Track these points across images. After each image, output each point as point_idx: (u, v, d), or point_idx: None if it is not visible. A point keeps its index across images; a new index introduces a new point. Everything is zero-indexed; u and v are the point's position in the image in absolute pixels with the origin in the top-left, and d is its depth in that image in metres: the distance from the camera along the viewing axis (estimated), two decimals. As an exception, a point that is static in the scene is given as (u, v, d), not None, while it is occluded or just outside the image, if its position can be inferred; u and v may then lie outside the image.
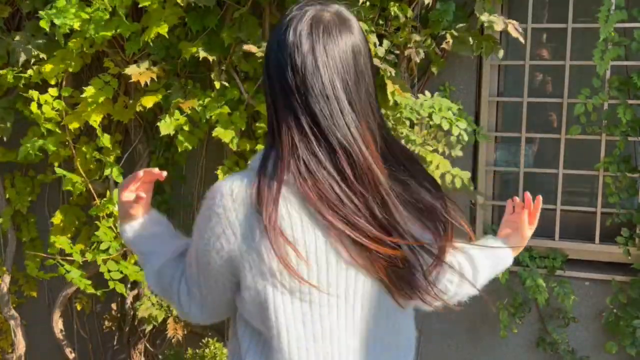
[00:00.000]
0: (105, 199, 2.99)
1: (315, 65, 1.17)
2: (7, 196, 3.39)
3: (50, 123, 2.86)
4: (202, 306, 1.31)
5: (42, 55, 2.89)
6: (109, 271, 2.91)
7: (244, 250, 1.17)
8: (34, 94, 2.81)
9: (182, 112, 2.76)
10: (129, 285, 3.29)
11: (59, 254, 3.01)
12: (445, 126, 2.59)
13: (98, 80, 2.83)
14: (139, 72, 2.73)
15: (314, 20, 1.19)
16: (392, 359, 1.31)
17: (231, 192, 1.17)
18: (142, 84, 2.72)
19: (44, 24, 2.62)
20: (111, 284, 2.92)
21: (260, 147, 2.79)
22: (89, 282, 2.94)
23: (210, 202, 1.20)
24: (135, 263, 2.95)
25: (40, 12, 2.63)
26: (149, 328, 3.14)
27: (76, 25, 2.62)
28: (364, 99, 1.20)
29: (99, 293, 3.03)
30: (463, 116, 2.70)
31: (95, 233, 2.93)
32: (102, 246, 2.90)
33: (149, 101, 2.79)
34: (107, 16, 2.61)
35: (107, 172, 2.93)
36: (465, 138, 2.62)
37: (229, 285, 1.24)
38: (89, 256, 2.92)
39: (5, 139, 3.16)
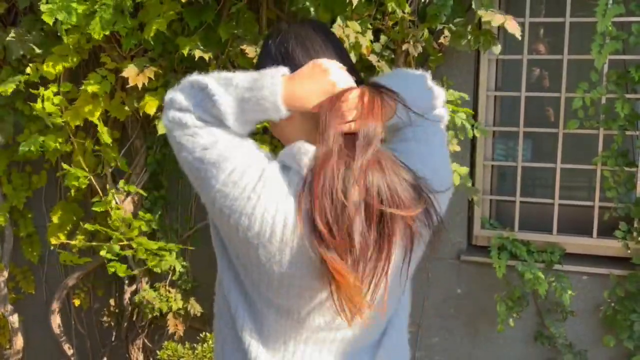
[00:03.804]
0: (106, 196, 2.99)
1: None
2: (4, 192, 3.38)
3: (53, 119, 2.85)
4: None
5: (38, 51, 2.88)
6: (108, 260, 2.93)
7: (251, 241, 1.13)
8: (39, 91, 2.79)
9: None
10: (126, 281, 3.29)
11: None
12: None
13: (95, 75, 2.82)
14: (136, 73, 2.71)
15: (297, 21, 1.30)
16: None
17: (271, 188, 1.12)
18: (140, 86, 2.71)
19: (46, 18, 2.60)
20: (113, 265, 2.92)
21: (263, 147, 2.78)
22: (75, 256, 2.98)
23: (255, 180, 1.12)
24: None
25: (42, 6, 2.61)
26: (149, 316, 3.12)
27: (74, 20, 2.60)
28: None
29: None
30: (462, 111, 2.69)
31: (113, 220, 2.92)
32: (124, 230, 2.90)
33: (150, 106, 2.78)
34: (111, 13, 2.59)
35: (110, 165, 2.93)
36: (467, 126, 2.62)
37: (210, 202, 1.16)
38: (103, 252, 2.92)
39: (9, 141, 3.16)
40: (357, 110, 1.13)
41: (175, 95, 1.16)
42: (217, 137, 1.13)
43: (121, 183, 2.90)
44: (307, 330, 1.20)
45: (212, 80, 1.14)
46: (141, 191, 3.03)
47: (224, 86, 1.13)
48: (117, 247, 2.87)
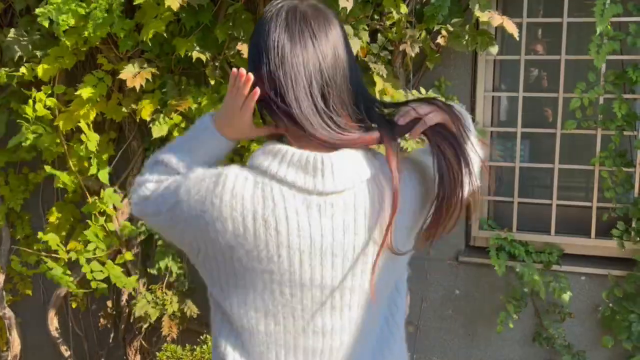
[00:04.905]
0: (99, 197, 2.98)
1: (294, 55, 1.17)
2: (1, 193, 3.37)
3: (41, 124, 2.84)
4: (150, 215, 1.29)
5: (35, 52, 2.88)
6: (91, 271, 2.91)
7: (230, 244, 1.16)
8: (31, 93, 2.78)
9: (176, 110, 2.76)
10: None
11: (49, 252, 3.00)
12: None
13: (91, 77, 2.81)
14: (133, 75, 2.71)
15: (290, 12, 1.20)
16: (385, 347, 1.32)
17: (233, 186, 1.16)
18: (137, 88, 2.71)
19: (42, 21, 2.59)
20: (93, 284, 2.93)
21: (255, 146, 2.78)
22: (71, 279, 2.94)
23: (212, 186, 1.17)
24: (121, 265, 2.98)
25: (38, 9, 2.61)
26: (145, 326, 3.13)
27: (72, 22, 2.60)
28: (342, 88, 1.20)
29: (96, 288, 3.01)
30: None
31: (84, 232, 2.92)
32: (90, 247, 2.90)
33: (146, 111, 2.78)
34: (105, 14, 2.59)
35: (92, 171, 2.92)
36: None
37: (188, 240, 1.22)
38: (73, 255, 2.91)
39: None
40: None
41: (138, 179, 1.31)
42: (169, 181, 1.25)
43: (109, 191, 2.90)
44: (290, 335, 1.21)
45: (164, 150, 1.33)
46: (122, 205, 3.03)
47: (168, 149, 1.33)
48: (88, 268, 2.92)
